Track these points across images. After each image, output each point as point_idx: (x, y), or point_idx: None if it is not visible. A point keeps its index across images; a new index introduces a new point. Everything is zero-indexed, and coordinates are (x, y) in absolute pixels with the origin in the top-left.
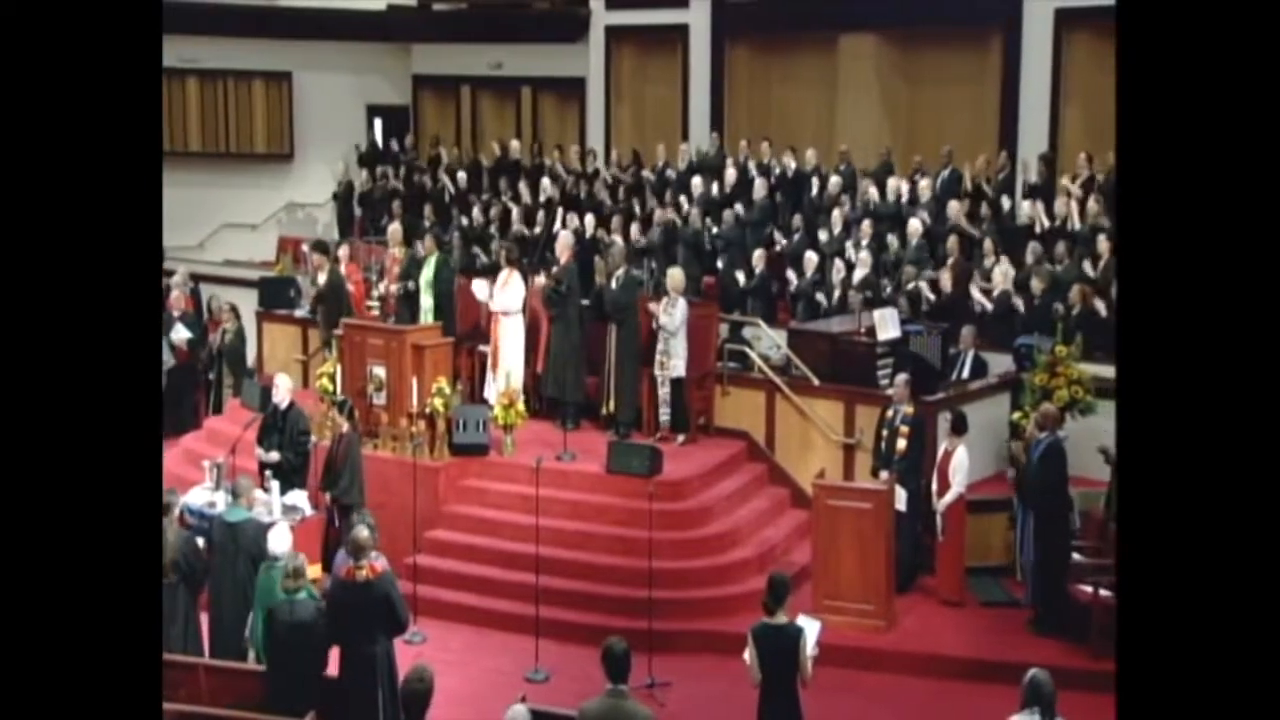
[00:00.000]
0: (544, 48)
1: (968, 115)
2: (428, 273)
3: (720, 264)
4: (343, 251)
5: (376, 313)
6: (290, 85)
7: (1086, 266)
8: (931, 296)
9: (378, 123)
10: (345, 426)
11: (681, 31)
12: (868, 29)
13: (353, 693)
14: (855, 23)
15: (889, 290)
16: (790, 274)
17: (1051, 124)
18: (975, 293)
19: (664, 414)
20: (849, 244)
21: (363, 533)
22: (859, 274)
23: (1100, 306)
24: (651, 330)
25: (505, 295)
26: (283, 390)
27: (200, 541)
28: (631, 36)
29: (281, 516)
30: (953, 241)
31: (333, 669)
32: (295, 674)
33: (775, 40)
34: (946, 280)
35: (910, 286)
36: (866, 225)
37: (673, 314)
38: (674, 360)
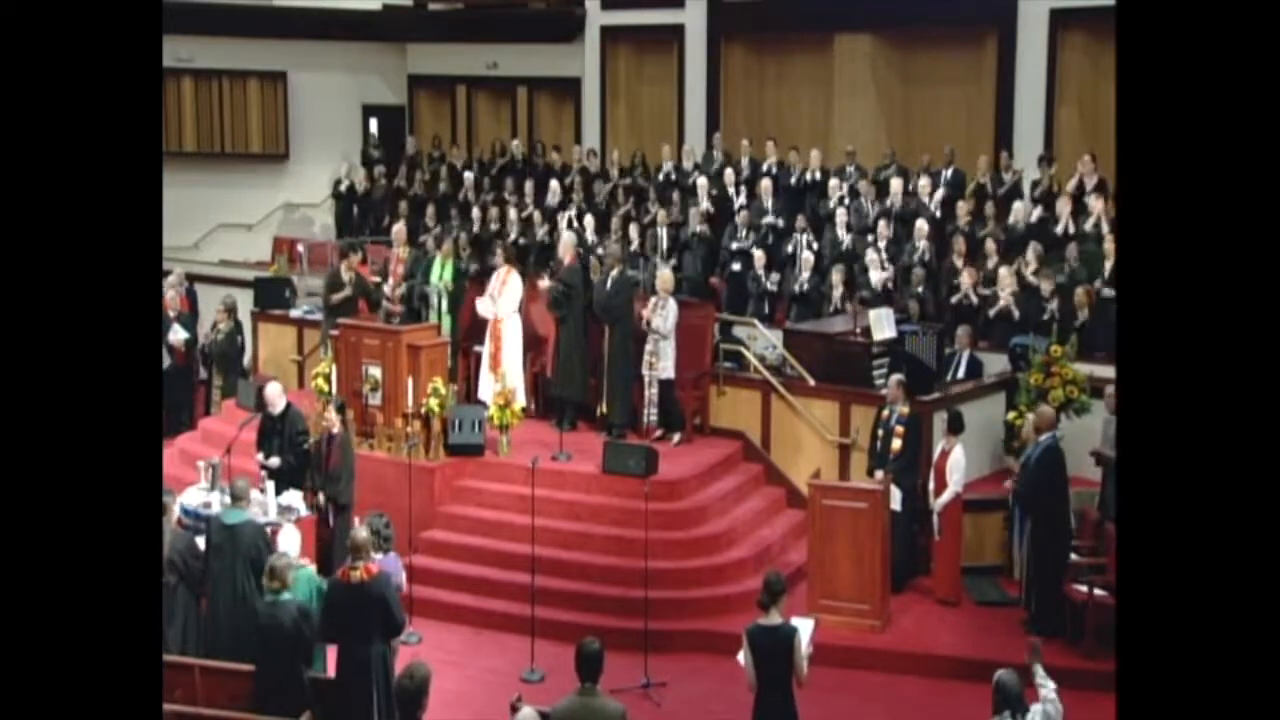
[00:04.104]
0: (540, 48)
1: (963, 115)
2: (444, 275)
3: (724, 266)
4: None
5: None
6: (285, 85)
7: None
8: (951, 299)
9: (373, 122)
10: (338, 426)
11: (677, 31)
12: (863, 29)
13: (349, 694)
14: (851, 23)
15: (898, 291)
16: (787, 275)
17: (1046, 124)
18: (973, 294)
19: (651, 414)
20: (846, 242)
21: (361, 533)
22: (875, 276)
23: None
24: (642, 330)
25: (504, 298)
26: (275, 396)
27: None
28: (627, 36)
29: (277, 517)
30: (959, 243)
31: (330, 670)
32: (277, 675)
33: (771, 40)
34: (965, 281)
35: (920, 289)
36: (883, 227)
37: (664, 316)
38: (662, 362)
